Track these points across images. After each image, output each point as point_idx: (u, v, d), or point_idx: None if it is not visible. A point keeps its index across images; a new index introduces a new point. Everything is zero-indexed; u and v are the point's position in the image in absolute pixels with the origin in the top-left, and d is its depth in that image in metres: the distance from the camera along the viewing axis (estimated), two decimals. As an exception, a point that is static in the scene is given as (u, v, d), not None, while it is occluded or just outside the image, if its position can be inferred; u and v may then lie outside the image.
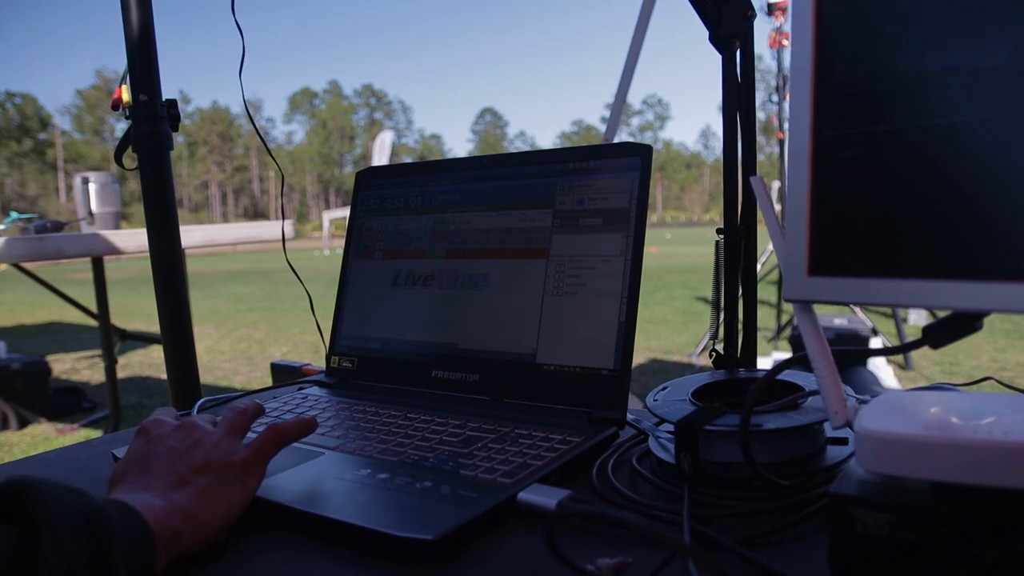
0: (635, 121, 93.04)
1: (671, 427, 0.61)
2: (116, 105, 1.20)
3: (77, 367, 4.95)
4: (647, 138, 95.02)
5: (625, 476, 0.63)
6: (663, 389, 0.70)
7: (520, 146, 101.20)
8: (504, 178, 0.85)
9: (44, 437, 3.37)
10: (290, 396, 0.86)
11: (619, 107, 3.08)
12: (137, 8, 1.16)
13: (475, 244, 0.85)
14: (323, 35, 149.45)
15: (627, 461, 0.65)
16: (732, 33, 0.78)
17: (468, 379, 0.81)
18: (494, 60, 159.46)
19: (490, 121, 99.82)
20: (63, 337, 6.27)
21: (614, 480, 0.60)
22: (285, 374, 1.13)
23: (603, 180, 0.78)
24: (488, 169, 0.87)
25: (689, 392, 0.67)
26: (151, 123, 1.14)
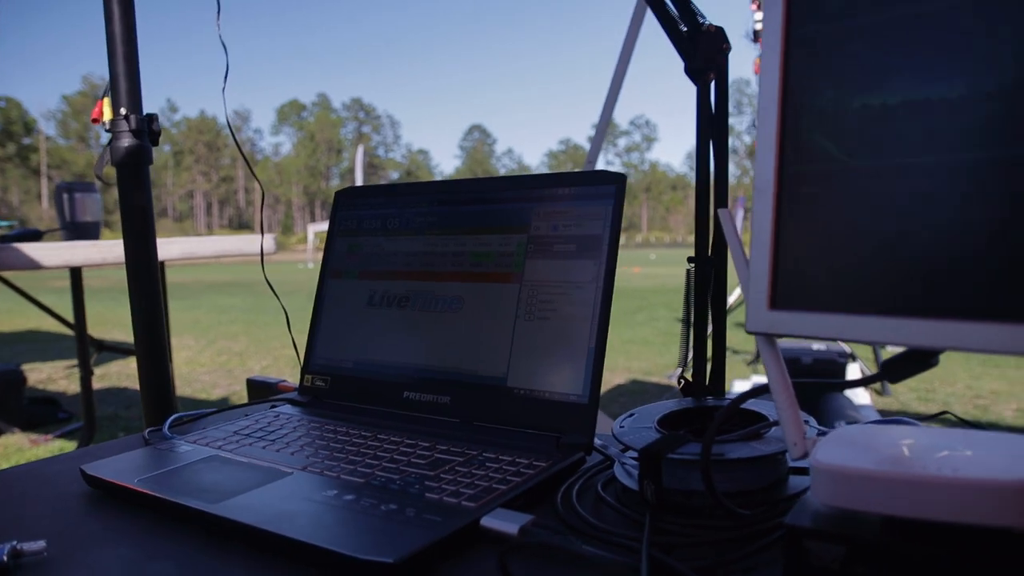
0: (622, 142, 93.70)
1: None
2: (97, 119, 1.20)
3: (54, 376, 4.91)
4: (634, 159, 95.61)
5: (589, 502, 0.63)
6: (630, 416, 0.70)
7: (508, 163, 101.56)
8: (481, 202, 0.86)
9: (17, 447, 3.33)
10: (262, 415, 0.86)
11: (603, 130, 3.11)
12: (120, 22, 1.17)
13: (450, 267, 0.85)
14: (312, 47, 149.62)
15: (592, 487, 0.66)
16: (707, 66, 0.79)
17: (439, 401, 0.82)
18: (483, 77, 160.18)
19: (478, 138, 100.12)
20: (41, 346, 6.21)
21: (578, 506, 0.60)
22: (261, 390, 1.13)
23: (578, 207, 0.79)
24: (465, 193, 0.88)
25: (655, 419, 0.68)
26: (131, 137, 1.15)
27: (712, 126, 0.79)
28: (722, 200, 0.77)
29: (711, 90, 0.80)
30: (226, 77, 1.13)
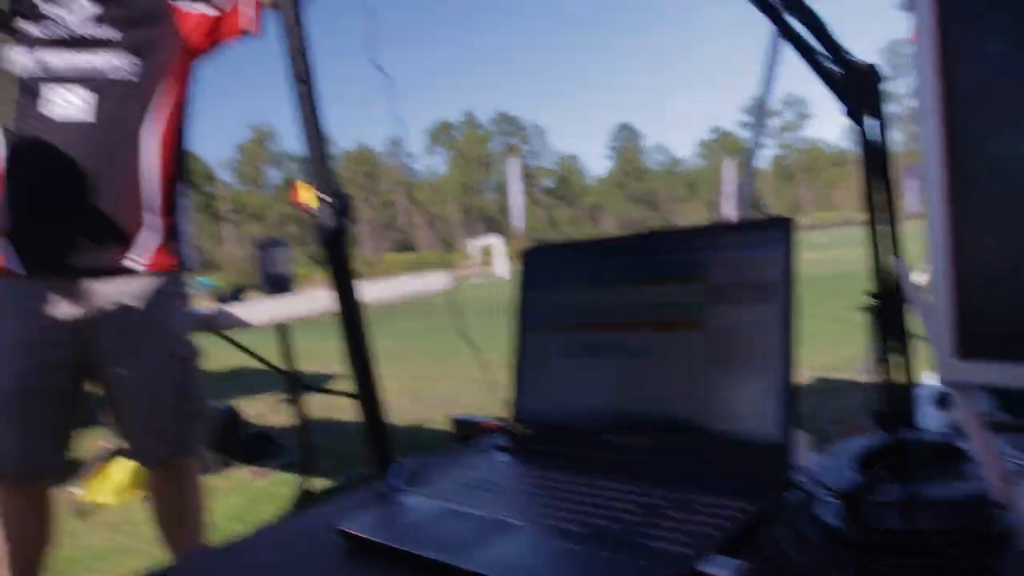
0: (775, 122, 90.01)
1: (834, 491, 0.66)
2: (297, 203, 1.38)
3: (262, 411, 5.36)
4: (788, 139, 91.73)
5: (792, 541, 0.67)
6: (825, 454, 0.74)
7: (658, 158, 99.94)
8: (659, 253, 0.92)
9: (241, 481, 3.69)
10: (482, 462, 0.96)
11: (758, 127, 3.09)
12: (313, 117, 1.33)
13: (637, 317, 0.92)
14: (455, 68, 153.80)
15: (793, 525, 0.70)
16: (863, 102, 0.81)
17: (639, 444, 0.88)
18: (623, 74, 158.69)
19: (627, 137, 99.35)
20: (247, 381, 6.78)
21: (783, 547, 0.65)
22: (466, 428, 1.27)
23: (750, 253, 0.84)
24: (644, 246, 0.94)
25: (852, 457, 0.72)
26: (332, 218, 1.30)
27: (876, 163, 0.81)
28: (895, 241, 0.79)
29: (875, 126, 0.82)
30: (403, 138, 1.26)
